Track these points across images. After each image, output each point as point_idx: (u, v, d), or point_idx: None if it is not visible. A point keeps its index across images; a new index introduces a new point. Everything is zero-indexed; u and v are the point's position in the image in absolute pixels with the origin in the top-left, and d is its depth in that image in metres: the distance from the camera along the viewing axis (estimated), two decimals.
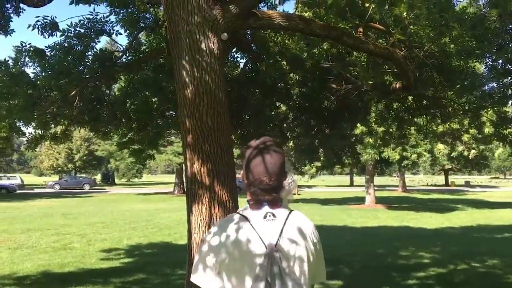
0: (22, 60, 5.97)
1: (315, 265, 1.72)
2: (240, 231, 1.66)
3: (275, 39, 6.91)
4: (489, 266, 9.15)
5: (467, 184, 57.05)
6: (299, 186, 41.07)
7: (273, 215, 1.68)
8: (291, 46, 6.67)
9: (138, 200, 30.67)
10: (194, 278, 1.70)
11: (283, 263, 1.60)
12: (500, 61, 6.23)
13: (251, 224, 1.66)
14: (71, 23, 5.75)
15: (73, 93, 5.43)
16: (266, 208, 1.69)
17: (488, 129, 8.57)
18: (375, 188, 28.91)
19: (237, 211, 1.77)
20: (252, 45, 6.84)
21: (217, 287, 1.65)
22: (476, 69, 7.98)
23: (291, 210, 1.76)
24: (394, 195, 36.68)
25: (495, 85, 6.93)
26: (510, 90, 6.53)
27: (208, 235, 1.74)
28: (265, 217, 1.68)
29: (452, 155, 43.49)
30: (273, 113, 8.53)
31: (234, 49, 6.80)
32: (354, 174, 58.57)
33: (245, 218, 1.69)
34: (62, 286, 7.22)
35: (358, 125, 11.05)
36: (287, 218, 1.70)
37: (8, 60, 5.97)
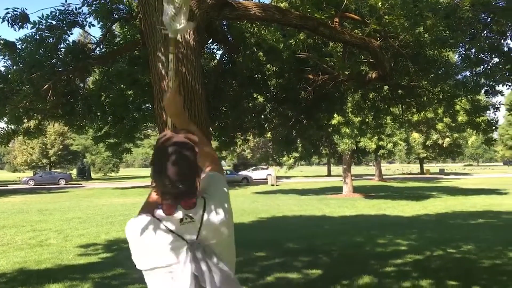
0: None
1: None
2: (157, 234, 1.62)
3: (252, 30, 6.88)
4: (464, 252, 9.38)
5: (442, 171, 58.18)
6: (278, 177, 41.26)
7: (190, 218, 1.64)
8: (268, 37, 6.66)
9: (115, 195, 30.34)
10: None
11: (207, 257, 1.60)
12: (473, 50, 6.32)
13: (166, 227, 1.62)
14: (42, 15, 5.60)
15: (45, 86, 5.30)
16: (181, 213, 1.64)
17: (461, 118, 8.72)
18: (352, 177, 29.24)
19: (152, 214, 1.67)
20: (229, 36, 6.80)
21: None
22: (449, 59, 8.11)
23: (202, 199, 1.70)
24: (371, 184, 37.18)
25: (468, 74, 7.05)
26: (482, 79, 6.64)
27: (128, 235, 1.69)
28: (181, 221, 1.63)
29: (427, 144, 44.41)
30: (250, 104, 8.51)
31: (210, 40, 6.74)
32: (332, 164, 59.18)
33: (159, 221, 1.64)
34: (39, 283, 7.11)
35: (335, 115, 11.12)
36: (203, 215, 1.67)
37: None
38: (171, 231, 1.62)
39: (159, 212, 1.66)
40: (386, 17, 5.20)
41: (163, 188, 1.63)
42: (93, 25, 6.00)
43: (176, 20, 1.69)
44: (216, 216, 1.70)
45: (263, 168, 49.09)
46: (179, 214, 1.64)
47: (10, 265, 8.70)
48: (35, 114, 6.52)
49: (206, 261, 1.59)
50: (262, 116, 8.90)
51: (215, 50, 7.63)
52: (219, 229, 1.69)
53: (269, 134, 10.86)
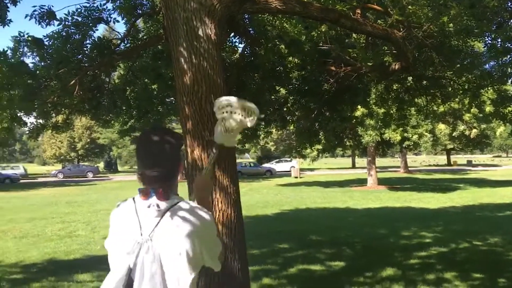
0: (21, 50, 5.98)
1: (195, 258, 1.59)
2: (126, 214, 1.65)
3: (273, 23, 6.88)
4: (490, 244, 9.23)
5: (469, 163, 57.14)
6: (301, 170, 41.17)
7: (158, 206, 1.61)
8: (289, 29, 6.65)
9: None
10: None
11: (149, 256, 1.57)
12: (499, 40, 6.20)
13: (136, 210, 1.64)
14: (68, 11, 5.75)
15: (72, 82, 5.45)
16: (153, 199, 1.62)
17: (488, 108, 8.56)
18: (377, 169, 28.97)
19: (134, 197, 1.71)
20: (250, 29, 6.82)
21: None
22: (477, 48, 7.96)
23: (178, 202, 1.65)
24: (396, 176, 36.76)
25: (494, 63, 6.92)
26: (509, 69, 6.51)
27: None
28: (149, 206, 1.62)
29: (453, 135, 43.54)
30: (272, 97, 8.53)
31: (232, 34, 6.78)
32: (356, 156, 58.65)
33: (134, 203, 1.66)
34: (69, 273, 7.32)
35: (359, 107, 11.03)
36: (168, 209, 1.61)
37: (7, 51, 5.97)
38: (137, 215, 1.63)
39: (138, 196, 1.66)
40: (409, 7, 5.15)
41: (143, 173, 1.65)
42: (118, 21, 6.16)
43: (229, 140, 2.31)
44: (174, 229, 1.59)
45: (287, 161, 49.01)
46: (149, 201, 1.63)
47: (41, 256, 8.97)
48: (62, 109, 6.70)
49: (143, 264, 1.56)
50: (285, 109, 8.91)
51: (237, 44, 7.67)
52: (169, 243, 1.58)
53: (292, 127, 10.85)
